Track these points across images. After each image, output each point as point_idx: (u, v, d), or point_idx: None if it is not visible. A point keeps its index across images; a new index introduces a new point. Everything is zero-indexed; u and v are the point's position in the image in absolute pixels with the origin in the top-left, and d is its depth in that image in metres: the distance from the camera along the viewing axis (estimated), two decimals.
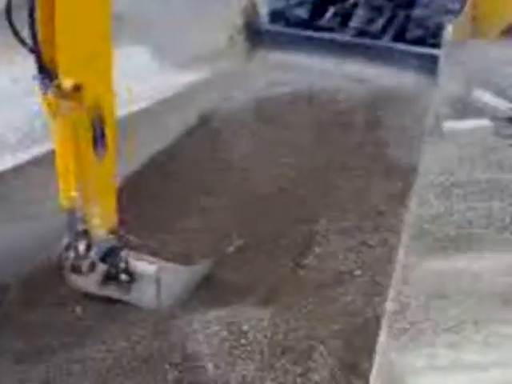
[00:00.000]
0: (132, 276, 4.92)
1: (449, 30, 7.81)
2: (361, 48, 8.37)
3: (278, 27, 9.05)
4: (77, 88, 3.92)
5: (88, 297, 5.19)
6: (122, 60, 4.43)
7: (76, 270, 4.63)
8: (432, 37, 8.05)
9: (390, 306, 4.16)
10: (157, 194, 6.03)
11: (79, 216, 4.45)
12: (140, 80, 4.99)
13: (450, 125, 6.39)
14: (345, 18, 8.98)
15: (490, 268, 4.43)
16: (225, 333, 4.61)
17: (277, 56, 8.44)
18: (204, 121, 7.46)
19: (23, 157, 5.73)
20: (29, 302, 5.13)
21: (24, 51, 3.91)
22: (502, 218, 5.04)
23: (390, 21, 8.85)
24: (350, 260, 5.55)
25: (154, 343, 4.61)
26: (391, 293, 4.30)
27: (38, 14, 3.80)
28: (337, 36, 8.70)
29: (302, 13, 9.03)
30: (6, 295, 5.15)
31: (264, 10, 9.09)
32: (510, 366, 3.62)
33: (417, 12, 8.52)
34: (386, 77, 7.89)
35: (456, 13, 8.31)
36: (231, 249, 5.78)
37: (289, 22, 9.01)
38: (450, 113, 6.62)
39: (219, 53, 8.18)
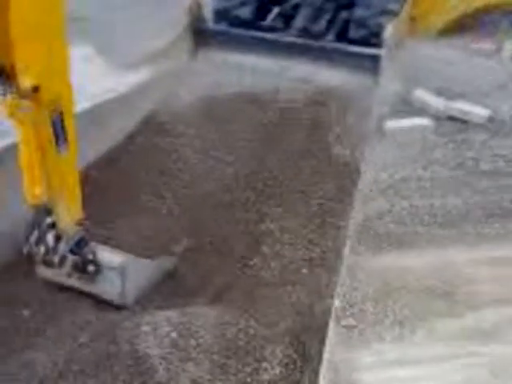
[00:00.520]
0: (98, 267, 5.00)
1: (389, 30, 7.96)
2: (304, 48, 8.44)
3: (222, 27, 9.07)
4: (35, 89, 3.97)
5: (35, 300, 5.15)
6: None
7: (47, 264, 4.73)
8: (374, 36, 8.17)
9: (336, 303, 4.23)
10: (101, 195, 5.97)
11: (45, 210, 4.53)
12: (84, 80, 4.94)
13: (391, 124, 6.51)
14: (288, 18, 9.06)
15: (432, 264, 4.55)
16: (175, 334, 4.63)
17: (221, 56, 8.44)
18: (148, 121, 7.42)
19: None
20: None
21: None
22: (443, 214, 5.17)
23: (332, 21, 8.97)
24: (296, 259, 5.62)
25: (103, 346, 4.59)
26: (338, 290, 4.37)
27: None
28: (280, 36, 8.76)
29: (246, 13, 9.06)
30: None
31: (209, 10, 9.08)
32: (452, 357, 3.73)
33: (358, 12, 8.66)
34: (330, 76, 7.97)
35: (396, 13, 8.45)
36: (179, 249, 5.78)
37: (233, 22, 9.06)
38: (391, 112, 6.74)
39: (164, 53, 8.14)
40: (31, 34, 3.89)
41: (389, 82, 7.26)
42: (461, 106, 6.63)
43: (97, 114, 6.50)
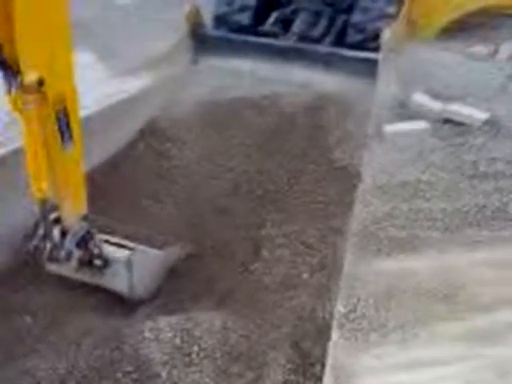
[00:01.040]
0: (105, 261, 5.05)
1: (386, 34, 7.98)
2: (303, 53, 8.46)
3: (222, 33, 9.09)
4: (40, 83, 4.00)
5: (37, 306, 5.15)
6: None
7: (53, 259, 4.76)
8: (372, 41, 8.18)
9: (339, 307, 4.24)
10: (100, 201, 5.96)
11: (51, 206, 4.55)
12: (85, 86, 4.96)
13: (389, 128, 6.52)
14: (287, 23, 9.08)
15: (433, 268, 4.56)
16: (177, 340, 4.63)
17: (220, 61, 8.45)
18: (149, 127, 7.43)
19: None
20: None
21: None
22: (443, 217, 5.18)
23: (330, 26, 8.99)
24: (297, 264, 5.63)
25: (106, 352, 4.59)
26: (340, 295, 4.38)
27: None
28: (279, 41, 8.77)
29: (245, 18, 9.09)
30: None
31: (208, 16, 9.10)
32: (456, 360, 3.74)
33: (356, 17, 8.68)
34: (329, 81, 7.98)
35: (393, 17, 8.48)
36: (180, 254, 5.79)
37: (232, 28, 9.08)
38: (389, 116, 6.75)
39: (164, 59, 8.15)
40: (36, 30, 3.94)
41: (387, 86, 7.27)
42: (459, 109, 6.65)
43: (98, 120, 6.51)
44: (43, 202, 4.43)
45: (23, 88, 3.97)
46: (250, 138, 7.34)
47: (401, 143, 6.27)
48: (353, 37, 8.65)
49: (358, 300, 4.26)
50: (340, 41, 8.80)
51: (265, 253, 5.82)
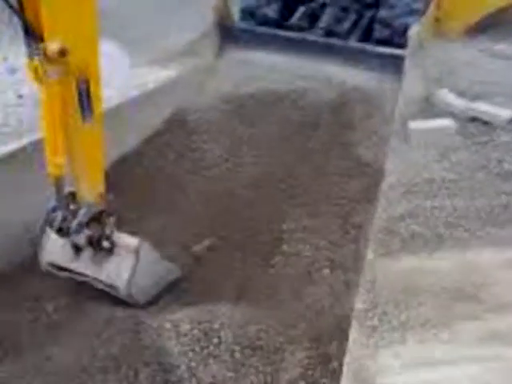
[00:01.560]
0: (113, 246, 4.94)
1: (413, 30, 7.93)
2: (329, 48, 8.42)
3: (249, 26, 9.09)
4: (62, 53, 3.92)
5: (60, 294, 5.19)
6: None
7: (63, 231, 4.64)
8: (399, 37, 8.13)
9: (359, 304, 4.22)
10: (126, 192, 6.00)
11: (66, 182, 4.47)
12: (111, 77, 4.98)
13: (414, 125, 6.48)
14: (314, 17, 9.05)
15: (455, 266, 4.52)
16: (196, 332, 4.65)
17: (246, 54, 8.43)
18: (174, 118, 7.44)
19: None
20: None
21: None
22: (467, 215, 5.13)
23: (357, 21, 8.95)
24: (318, 259, 5.63)
25: (126, 342, 4.62)
26: (361, 291, 4.36)
27: None
28: (305, 35, 8.74)
29: (272, 12, 9.08)
30: None
31: (235, 9, 9.10)
32: (477, 361, 3.71)
33: (383, 12, 8.64)
34: (354, 77, 7.93)
35: (421, 13, 8.42)
36: (201, 247, 5.81)
37: (259, 21, 9.07)
38: (414, 113, 6.69)
39: (191, 50, 8.16)
40: None
41: (412, 83, 7.22)
42: (484, 108, 6.58)
43: (124, 110, 6.53)
44: (59, 178, 4.36)
45: (45, 57, 3.89)
46: (273, 132, 7.34)
47: (425, 141, 6.22)
48: (380, 32, 8.60)
49: (379, 297, 4.24)
50: (367, 36, 8.75)
51: (286, 247, 5.83)
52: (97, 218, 4.79)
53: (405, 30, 8.02)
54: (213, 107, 7.61)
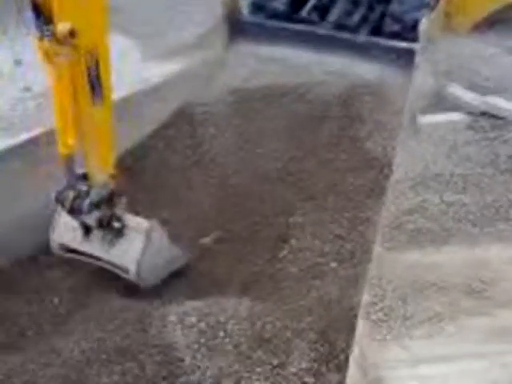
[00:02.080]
0: (124, 226, 4.95)
1: (424, 25, 7.89)
2: (339, 41, 8.38)
3: (258, 19, 9.05)
4: (72, 34, 3.94)
5: (65, 287, 5.20)
6: None
7: (75, 210, 4.67)
8: (409, 31, 8.09)
9: (366, 297, 4.20)
10: (133, 185, 6.00)
11: (78, 162, 4.52)
12: (119, 70, 4.96)
13: (424, 119, 6.44)
14: (323, 11, 9.01)
15: (463, 262, 4.49)
16: (202, 324, 4.64)
17: (255, 47, 8.41)
18: (182, 112, 7.42)
19: None
20: (5, 291, 5.11)
21: None
22: (475, 211, 5.10)
23: (367, 15, 8.91)
24: (325, 252, 5.61)
25: (131, 334, 4.63)
26: (367, 285, 4.33)
27: None
28: (315, 29, 8.71)
29: (281, 5, 9.04)
30: None
31: (245, 2, 9.07)
32: (483, 356, 3.69)
33: (393, 6, 8.59)
34: (364, 70, 7.90)
35: (431, 7, 8.38)
36: (208, 240, 5.80)
37: (268, 14, 9.04)
38: (424, 107, 6.66)
39: (199, 44, 8.14)
40: None
41: (423, 77, 7.18)
42: (495, 102, 6.53)
43: (131, 104, 6.52)
44: (70, 158, 4.39)
45: (55, 38, 3.92)
46: (282, 126, 7.31)
47: (435, 135, 6.18)
48: (390, 26, 8.55)
49: (386, 291, 4.21)
50: (377, 30, 8.70)
51: (293, 240, 5.81)
52: (108, 199, 4.80)
53: (415, 24, 7.99)
54: (221, 100, 7.59)
